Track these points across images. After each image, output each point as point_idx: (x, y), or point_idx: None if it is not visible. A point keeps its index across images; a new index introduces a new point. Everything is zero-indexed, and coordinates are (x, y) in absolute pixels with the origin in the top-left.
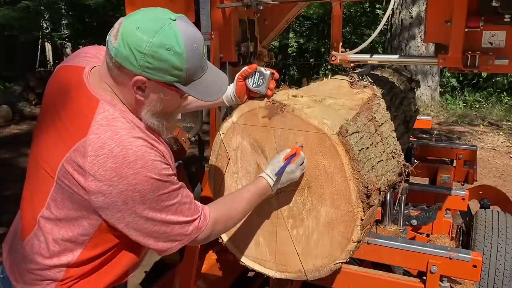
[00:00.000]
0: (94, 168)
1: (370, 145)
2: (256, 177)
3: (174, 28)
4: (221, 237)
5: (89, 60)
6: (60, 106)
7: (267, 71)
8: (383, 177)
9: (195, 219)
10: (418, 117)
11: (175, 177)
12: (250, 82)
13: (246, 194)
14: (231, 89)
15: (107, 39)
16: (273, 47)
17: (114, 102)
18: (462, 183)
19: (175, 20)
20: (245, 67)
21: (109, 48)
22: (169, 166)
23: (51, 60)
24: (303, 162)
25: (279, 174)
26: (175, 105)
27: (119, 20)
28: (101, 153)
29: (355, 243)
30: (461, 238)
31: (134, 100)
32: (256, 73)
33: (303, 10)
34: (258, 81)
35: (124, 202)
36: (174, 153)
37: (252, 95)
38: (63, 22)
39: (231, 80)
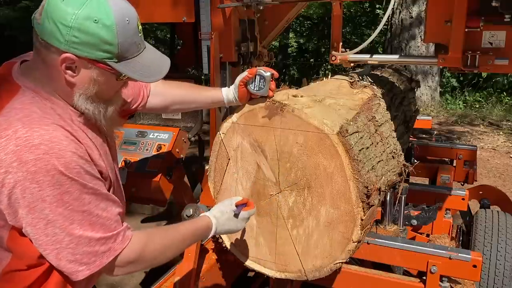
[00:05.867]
0: None
1: (370, 145)
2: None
3: None
4: (221, 237)
5: (25, 55)
6: None
7: (267, 73)
8: (383, 177)
9: (108, 237)
10: (418, 117)
11: (99, 183)
12: (252, 87)
13: (183, 229)
14: (232, 94)
15: (32, 17)
16: (273, 47)
17: (37, 89)
18: (462, 183)
19: None
20: (245, 73)
21: (34, 27)
22: (87, 162)
23: None
24: (248, 218)
25: (237, 211)
26: (111, 89)
27: None
28: (4, 134)
29: (355, 243)
30: (461, 238)
31: (65, 83)
32: (257, 76)
33: (303, 10)
34: (259, 85)
35: (22, 196)
36: (172, 155)
37: (253, 97)
38: None
39: (231, 81)
